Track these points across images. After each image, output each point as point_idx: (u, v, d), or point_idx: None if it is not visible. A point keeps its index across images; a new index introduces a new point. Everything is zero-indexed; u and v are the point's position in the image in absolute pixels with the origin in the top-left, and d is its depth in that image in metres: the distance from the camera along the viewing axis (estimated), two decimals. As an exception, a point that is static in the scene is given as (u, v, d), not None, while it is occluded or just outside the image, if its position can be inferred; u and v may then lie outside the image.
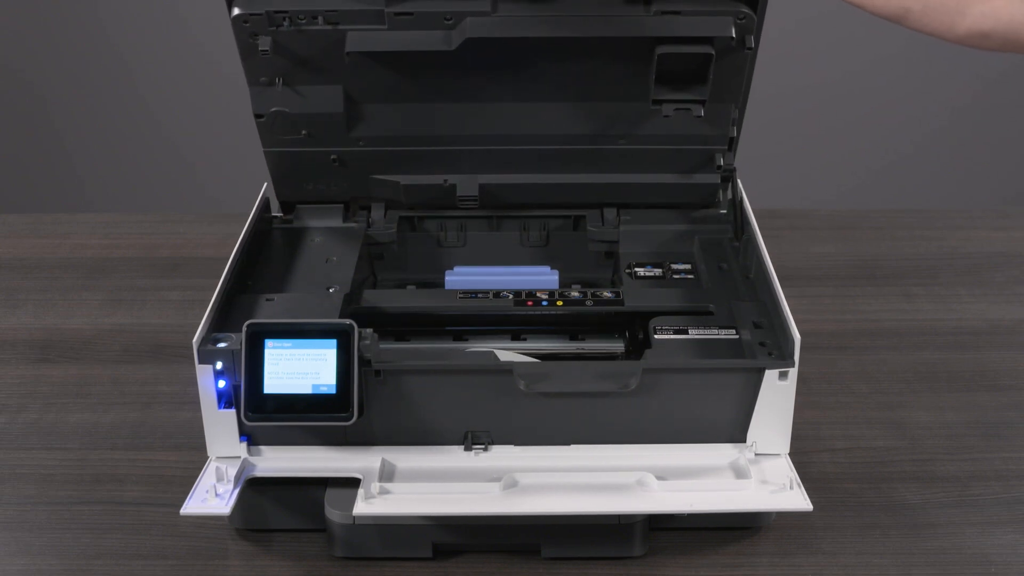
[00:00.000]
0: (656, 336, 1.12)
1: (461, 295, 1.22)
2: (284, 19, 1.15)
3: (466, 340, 1.21)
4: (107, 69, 2.94)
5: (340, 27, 1.15)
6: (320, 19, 1.15)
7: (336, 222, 1.34)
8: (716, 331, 1.13)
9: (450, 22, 1.15)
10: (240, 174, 2.07)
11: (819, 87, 2.86)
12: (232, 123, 1.93)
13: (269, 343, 1.01)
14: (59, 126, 3.02)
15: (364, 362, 1.02)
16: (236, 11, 1.14)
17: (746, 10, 1.14)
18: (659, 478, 1.02)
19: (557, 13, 1.15)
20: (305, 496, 1.05)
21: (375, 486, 1.00)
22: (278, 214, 1.35)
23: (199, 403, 1.04)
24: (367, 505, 0.99)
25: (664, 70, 1.17)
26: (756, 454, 1.06)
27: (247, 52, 1.18)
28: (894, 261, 1.59)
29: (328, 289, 1.20)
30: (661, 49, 1.15)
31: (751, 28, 1.15)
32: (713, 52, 1.15)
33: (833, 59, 2.83)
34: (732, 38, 1.14)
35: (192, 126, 2.98)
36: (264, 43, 1.16)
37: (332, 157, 1.29)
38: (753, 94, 1.25)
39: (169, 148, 3.02)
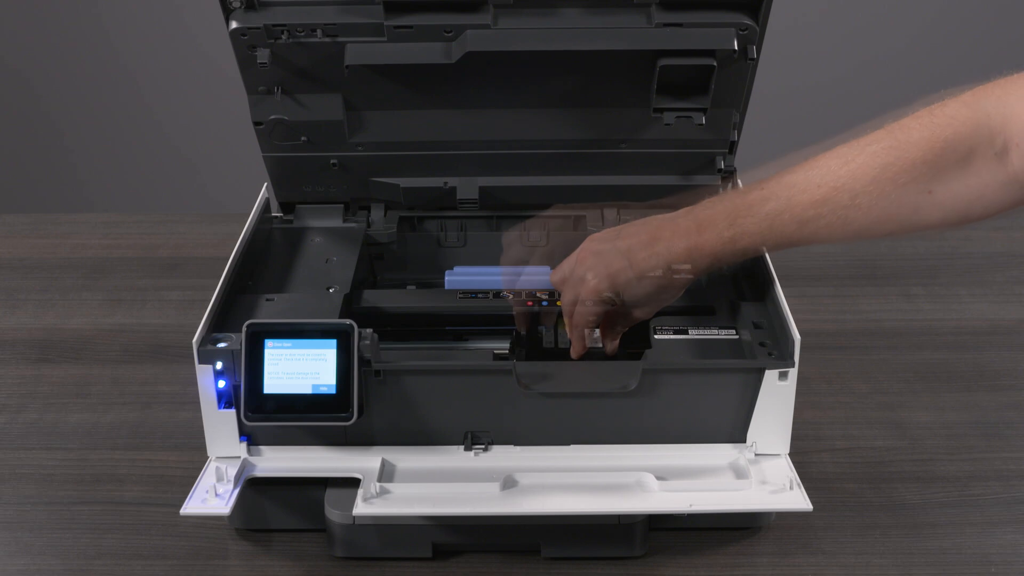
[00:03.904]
0: (656, 336, 1.12)
1: (461, 295, 1.22)
2: (282, 32, 1.13)
3: (466, 340, 1.21)
4: (107, 69, 2.93)
5: (339, 39, 1.14)
6: (319, 32, 1.13)
7: (336, 222, 1.33)
8: (716, 331, 1.13)
9: (450, 35, 1.14)
10: (240, 174, 2.07)
11: (819, 87, 2.85)
12: (232, 123, 1.92)
13: (269, 343, 1.01)
14: (59, 126, 3.02)
15: (364, 362, 1.02)
16: (234, 24, 1.13)
17: (748, 21, 1.13)
18: (659, 478, 1.02)
19: (558, 26, 1.14)
20: (305, 496, 1.05)
21: (375, 486, 1.00)
22: (278, 214, 1.35)
23: (199, 403, 1.04)
24: (367, 505, 0.99)
25: (665, 80, 1.17)
26: (756, 454, 1.06)
27: (245, 63, 1.17)
28: (894, 261, 1.59)
29: (328, 289, 1.20)
30: (663, 61, 1.15)
31: (753, 39, 1.14)
32: (715, 64, 1.14)
33: (833, 59, 2.82)
34: (734, 50, 1.13)
35: (192, 126, 2.98)
36: (262, 56, 1.15)
37: (332, 162, 1.29)
38: (753, 95, 1.25)
39: (169, 148, 3.02)
